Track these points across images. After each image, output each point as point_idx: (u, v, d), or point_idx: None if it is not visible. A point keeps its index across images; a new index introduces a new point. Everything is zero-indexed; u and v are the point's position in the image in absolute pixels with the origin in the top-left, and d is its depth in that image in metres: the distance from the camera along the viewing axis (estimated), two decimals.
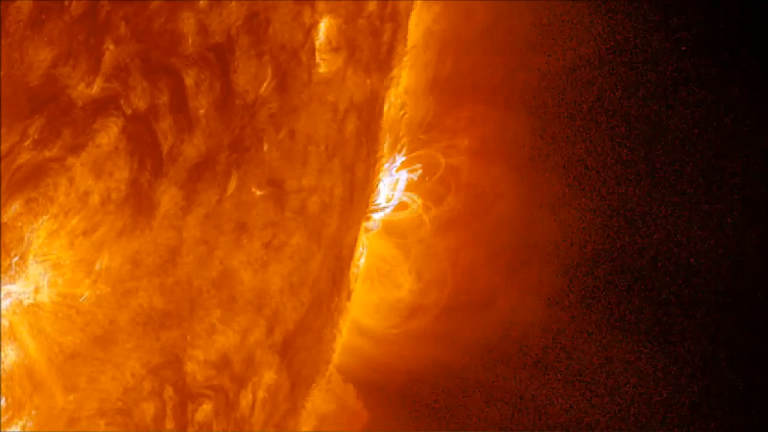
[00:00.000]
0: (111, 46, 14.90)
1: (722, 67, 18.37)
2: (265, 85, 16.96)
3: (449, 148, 20.17)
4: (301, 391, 19.19)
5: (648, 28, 18.79)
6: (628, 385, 19.26)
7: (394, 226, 20.67)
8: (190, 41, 15.84)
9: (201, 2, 15.82)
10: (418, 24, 19.97)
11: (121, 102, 15.11)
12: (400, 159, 20.24)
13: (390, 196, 20.37)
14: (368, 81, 18.88)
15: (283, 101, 17.31)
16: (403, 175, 20.37)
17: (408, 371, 20.52)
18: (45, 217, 14.56)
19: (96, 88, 14.84)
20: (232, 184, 16.82)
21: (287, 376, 18.44)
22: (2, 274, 14.22)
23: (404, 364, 20.51)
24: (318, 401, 19.74)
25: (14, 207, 14.29)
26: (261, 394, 17.96)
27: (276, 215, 17.64)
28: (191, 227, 16.26)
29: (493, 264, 20.18)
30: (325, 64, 18.00)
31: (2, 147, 13.75)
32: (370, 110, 19.07)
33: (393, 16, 19.29)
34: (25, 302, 14.71)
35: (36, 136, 14.28)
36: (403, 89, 19.87)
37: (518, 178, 19.79)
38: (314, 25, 17.71)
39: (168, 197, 15.84)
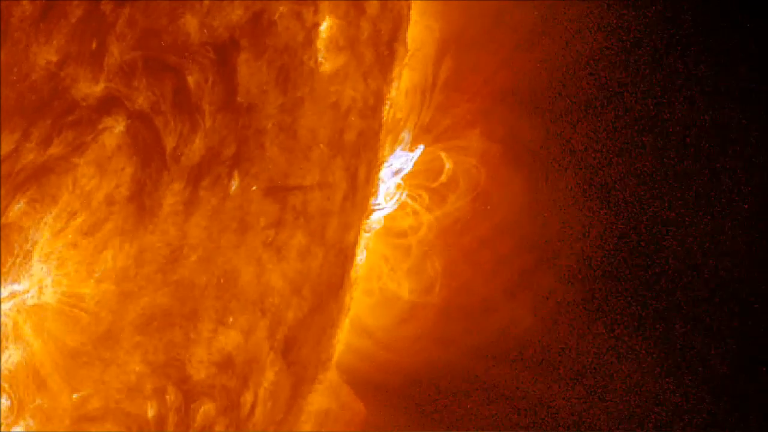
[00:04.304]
0: (114, 46, 14.91)
1: (726, 64, 18.40)
2: (267, 84, 16.98)
3: (451, 148, 20.18)
4: (302, 390, 19.20)
5: (652, 25, 18.81)
6: (629, 386, 19.29)
7: (395, 226, 20.67)
8: (193, 41, 15.86)
9: (204, 2, 15.84)
10: (419, 23, 19.98)
11: (125, 101, 15.13)
12: (401, 158, 20.25)
13: (391, 196, 20.39)
14: (370, 80, 18.90)
15: (286, 101, 17.33)
16: (404, 175, 20.38)
17: (408, 370, 20.52)
18: (49, 217, 14.58)
19: (100, 87, 14.87)
20: (235, 184, 16.84)
21: (288, 375, 18.45)
22: (6, 274, 14.22)
23: (404, 364, 20.52)
24: (319, 400, 19.75)
25: (18, 206, 14.31)
26: (263, 393, 17.98)
27: (278, 214, 17.66)
28: (194, 227, 16.29)
29: (494, 264, 20.19)
30: (326, 64, 18.02)
31: (7, 146, 13.76)
32: (371, 109, 19.10)
33: (394, 16, 19.31)
34: (29, 302, 14.73)
35: (40, 136, 14.30)
36: (404, 88, 19.89)
37: (522, 178, 19.79)
38: (316, 25, 17.73)
39: (171, 196, 15.86)
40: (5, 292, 14.37)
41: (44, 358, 14.89)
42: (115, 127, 15.10)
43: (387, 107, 19.57)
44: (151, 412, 16.15)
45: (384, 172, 20.08)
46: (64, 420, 15.15)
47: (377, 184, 20.01)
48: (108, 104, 14.98)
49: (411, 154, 20.26)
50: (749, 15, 18.28)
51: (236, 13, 16.38)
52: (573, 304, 19.63)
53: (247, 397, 17.70)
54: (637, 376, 19.25)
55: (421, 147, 20.27)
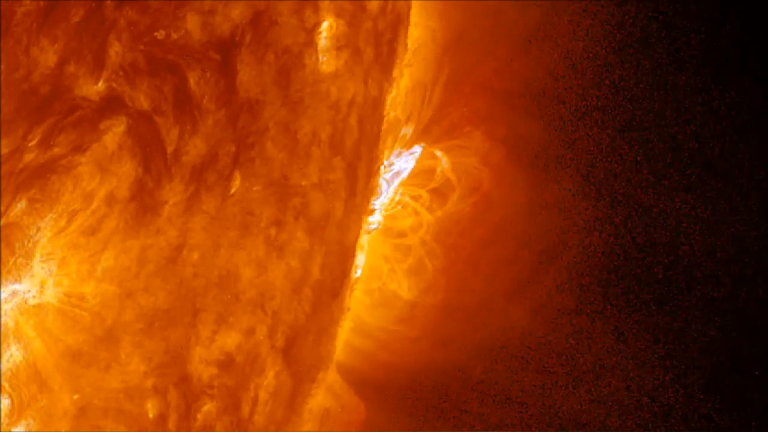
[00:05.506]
0: (116, 46, 14.93)
1: (727, 63, 18.42)
2: (268, 84, 16.99)
3: (452, 148, 20.18)
4: (303, 390, 19.19)
5: (652, 25, 18.83)
6: (629, 386, 19.31)
7: (395, 226, 20.66)
8: (194, 41, 15.87)
9: (205, 2, 15.86)
10: (419, 22, 19.97)
11: (126, 101, 15.15)
12: (401, 158, 20.25)
13: (391, 196, 20.38)
14: (370, 80, 18.90)
15: (286, 100, 17.34)
16: (405, 175, 20.37)
17: (408, 371, 20.51)
18: (50, 216, 14.59)
19: (101, 87, 14.88)
20: (236, 184, 16.85)
21: (289, 375, 18.45)
22: (7, 274, 14.23)
23: (404, 364, 20.51)
24: (319, 400, 19.75)
25: (19, 206, 14.31)
26: (263, 393, 17.98)
27: (278, 214, 17.66)
28: (195, 226, 16.29)
29: (494, 264, 20.19)
30: (327, 63, 18.02)
31: (8, 146, 13.77)
32: (372, 109, 19.09)
33: (395, 15, 19.32)
34: (30, 301, 14.73)
35: (41, 136, 14.32)
36: (405, 88, 19.89)
37: (523, 178, 19.80)
38: (317, 25, 17.74)
39: (172, 196, 15.88)
40: (6, 292, 14.38)
41: (45, 358, 14.89)
42: (117, 127, 15.12)
43: (387, 107, 19.58)
44: (152, 412, 16.15)
45: (384, 172, 20.08)
46: (65, 420, 15.16)
47: (378, 184, 20.01)
48: (109, 104, 15.00)
49: (411, 154, 20.26)
50: (749, 15, 18.31)
51: (238, 13, 16.40)
52: (573, 304, 19.64)
53: (248, 397, 17.70)
54: (637, 376, 19.27)
55: (422, 147, 20.27)
